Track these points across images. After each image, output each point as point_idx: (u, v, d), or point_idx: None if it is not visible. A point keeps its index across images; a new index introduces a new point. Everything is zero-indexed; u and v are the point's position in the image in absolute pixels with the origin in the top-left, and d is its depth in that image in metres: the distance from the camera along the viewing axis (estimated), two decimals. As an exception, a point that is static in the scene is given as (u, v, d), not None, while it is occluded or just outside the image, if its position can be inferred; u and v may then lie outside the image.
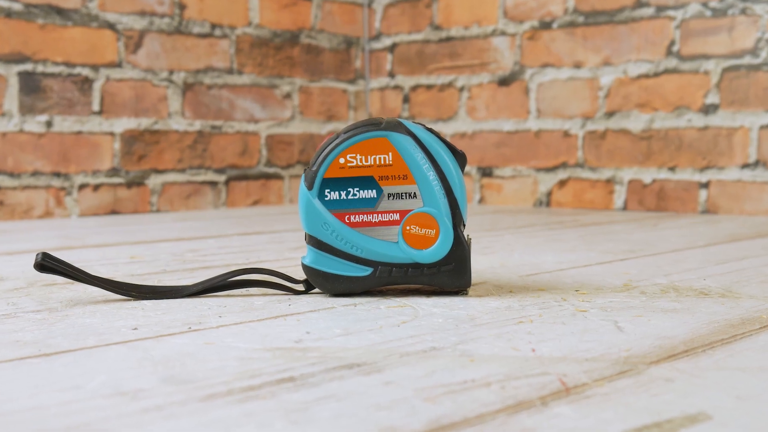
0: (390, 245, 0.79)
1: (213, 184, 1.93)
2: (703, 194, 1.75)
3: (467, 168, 2.06)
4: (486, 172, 2.03)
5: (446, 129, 2.09)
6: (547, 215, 1.73)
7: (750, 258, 1.07)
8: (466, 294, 0.82)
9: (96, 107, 1.76)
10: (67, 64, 1.71)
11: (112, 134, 1.78)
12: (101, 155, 1.77)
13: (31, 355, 0.59)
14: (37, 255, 0.77)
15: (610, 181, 1.86)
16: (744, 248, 1.17)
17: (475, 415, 0.46)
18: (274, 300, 0.79)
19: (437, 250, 0.79)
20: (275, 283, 0.82)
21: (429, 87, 2.12)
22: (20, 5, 1.66)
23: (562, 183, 1.93)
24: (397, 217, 0.79)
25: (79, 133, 1.73)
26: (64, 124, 1.71)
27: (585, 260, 1.05)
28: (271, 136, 2.03)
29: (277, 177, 2.05)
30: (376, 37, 2.20)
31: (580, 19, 1.88)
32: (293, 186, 2.08)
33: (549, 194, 1.94)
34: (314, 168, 0.79)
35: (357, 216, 0.79)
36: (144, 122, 1.82)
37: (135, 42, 1.80)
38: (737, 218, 1.64)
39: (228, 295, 0.82)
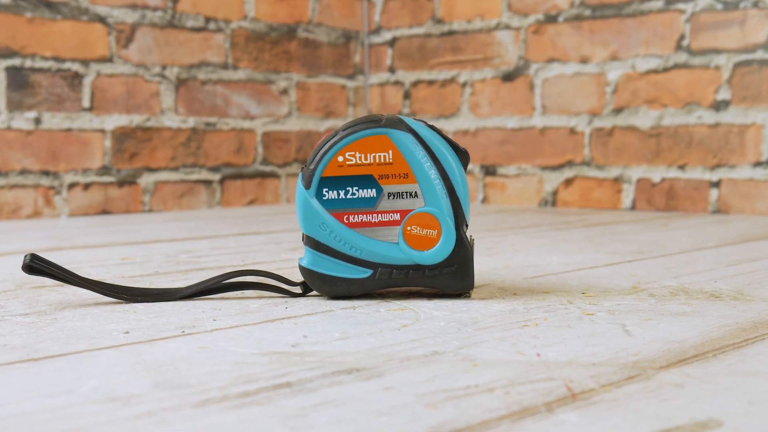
0: (390, 246, 0.79)
1: (207, 182, 1.93)
2: (714, 193, 1.75)
3: (470, 166, 2.06)
4: (489, 171, 2.04)
5: (448, 126, 2.09)
6: (552, 215, 1.73)
7: (762, 259, 1.07)
8: (469, 296, 0.82)
9: (86, 103, 1.76)
10: (57, 59, 1.72)
11: (102, 131, 1.78)
12: (91, 153, 1.77)
13: (19, 360, 0.59)
14: (26, 256, 0.77)
15: (617, 180, 1.86)
16: (756, 249, 1.17)
17: (479, 421, 0.46)
18: (271, 303, 0.79)
19: (439, 251, 0.79)
20: (271, 285, 0.82)
21: (430, 83, 2.12)
22: (8, -2, 1.66)
23: (568, 182, 1.93)
24: (397, 217, 0.79)
25: (69, 130, 1.74)
26: (54, 120, 1.71)
27: (592, 262, 1.05)
28: (267, 134, 2.03)
29: (274, 176, 2.05)
30: (376, 30, 2.20)
31: (587, 12, 1.88)
32: (290, 185, 2.08)
33: (554, 193, 1.95)
34: (312, 166, 0.79)
35: (356, 216, 0.79)
36: (136, 119, 1.82)
37: (126, 36, 1.80)
38: (749, 218, 1.64)
39: (223, 298, 0.82)
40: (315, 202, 0.79)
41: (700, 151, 1.76)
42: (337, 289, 0.80)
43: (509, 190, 2.01)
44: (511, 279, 0.92)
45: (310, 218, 0.79)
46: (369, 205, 0.79)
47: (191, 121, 1.90)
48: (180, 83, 1.88)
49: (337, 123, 2.18)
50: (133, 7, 1.81)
